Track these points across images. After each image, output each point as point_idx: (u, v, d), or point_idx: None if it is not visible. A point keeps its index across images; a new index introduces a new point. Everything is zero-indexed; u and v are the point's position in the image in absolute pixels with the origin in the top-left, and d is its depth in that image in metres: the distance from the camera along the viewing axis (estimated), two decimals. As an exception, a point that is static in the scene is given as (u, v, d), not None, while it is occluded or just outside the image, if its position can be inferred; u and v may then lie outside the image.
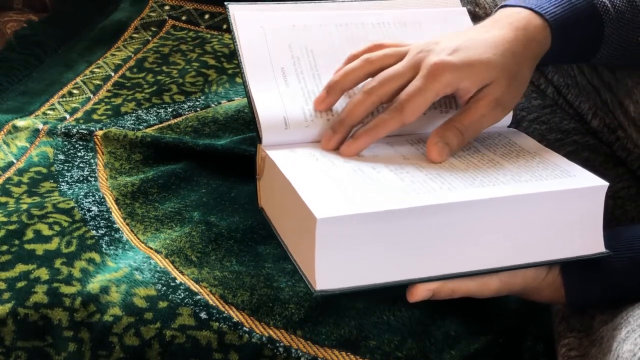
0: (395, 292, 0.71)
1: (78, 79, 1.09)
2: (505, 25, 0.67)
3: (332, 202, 0.58)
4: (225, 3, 0.74)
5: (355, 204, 0.57)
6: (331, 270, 0.57)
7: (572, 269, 0.64)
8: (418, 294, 0.60)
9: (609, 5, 0.68)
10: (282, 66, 0.71)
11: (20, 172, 0.87)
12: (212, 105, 1.01)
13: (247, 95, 0.70)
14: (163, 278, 0.72)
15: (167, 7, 1.27)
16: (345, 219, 0.56)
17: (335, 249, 0.57)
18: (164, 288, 0.71)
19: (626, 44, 0.69)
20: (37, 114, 1.00)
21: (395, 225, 0.57)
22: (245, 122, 0.96)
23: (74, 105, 1.02)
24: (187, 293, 0.70)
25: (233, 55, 1.13)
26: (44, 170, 0.87)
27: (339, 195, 0.59)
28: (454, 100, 0.71)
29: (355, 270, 0.58)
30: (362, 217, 0.57)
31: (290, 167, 0.63)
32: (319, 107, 0.69)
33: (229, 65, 1.11)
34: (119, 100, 1.02)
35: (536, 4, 0.68)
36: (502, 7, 0.70)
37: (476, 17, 0.84)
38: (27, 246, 0.74)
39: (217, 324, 0.68)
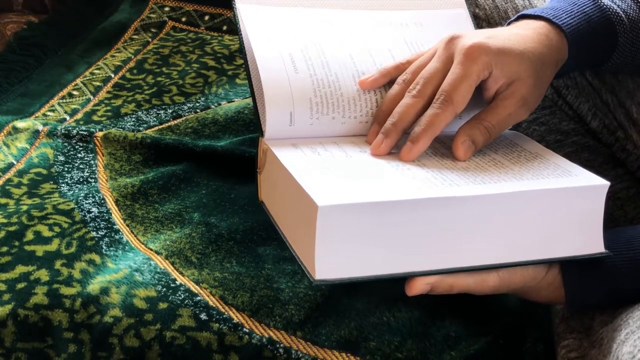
0: (395, 293, 0.71)
1: (78, 81, 1.09)
2: (528, 29, 0.68)
3: (333, 191, 0.58)
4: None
5: (356, 194, 0.58)
6: (331, 260, 0.57)
7: (571, 269, 0.64)
8: (417, 287, 0.60)
9: (622, 15, 0.68)
10: (290, 52, 0.71)
11: (20, 173, 0.87)
12: (212, 106, 1.01)
13: (252, 89, 0.70)
14: (163, 279, 0.72)
15: (167, 9, 1.27)
16: (346, 207, 0.56)
17: (336, 238, 0.57)
18: (164, 289, 0.71)
19: (638, 52, 0.70)
20: (37, 115, 1.00)
21: (396, 217, 0.58)
22: (245, 124, 0.96)
23: (74, 106, 1.02)
24: (187, 294, 0.70)
25: (233, 56, 1.13)
26: (44, 172, 0.87)
27: (340, 186, 0.59)
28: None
29: (354, 261, 0.58)
30: (363, 207, 0.57)
31: (292, 160, 0.64)
32: (377, 152, 0.67)
33: (228, 66, 1.11)
34: (119, 102, 1.03)
35: (553, 14, 0.68)
36: (519, 16, 0.71)
37: (476, 18, 0.84)
38: (27, 247, 0.74)
39: (217, 325, 0.68)
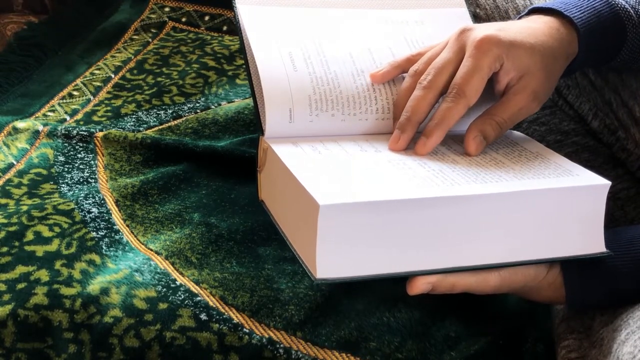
0: (395, 293, 0.71)
1: (78, 81, 1.09)
2: (539, 23, 0.68)
3: (334, 190, 0.58)
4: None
5: (357, 193, 0.58)
6: (332, 259, 0.57)
7: (572, 269, 0.64)
8: (418, 286, 0.60)
9: (631, 11, 0.68)
10: (290, 51, 0.71)
11: (20, 173, 0.87)
12: (212, 106, 1.01)
13: (252, 87, 0.70)
14: (163, 279, 0.72)
15: (167, 9, 1.27)
16: (347, 206, 0.56)
17: (337, 237, 0.57)
18: (164, 289, 0.71)
19: None
20: (37, 115, 1.00)
21: (397, 216, 0.58)
22: (245, 124, 0.96)
23: (74, 106, 1.02)
24: (187, 294, 0.70)
25: (233, 57, 1.13)
26: (44, 172, 0.87)
27: (341, 185, 0.59)
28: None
29: (355, 260, 0.58)
30: (364, 206, 0.57)
31: (293, 158, 0.64)
32: (395, 147, 0.67)
33: (229, 66, 1.11)
34: (119, 102, 1.03)
35: (564, 8, 0.68)
36: (530, 10, 0.71)
37: (477, 18, 0.84)
38: (27, 248, 0.74)
39: (217, 325, 0.68)
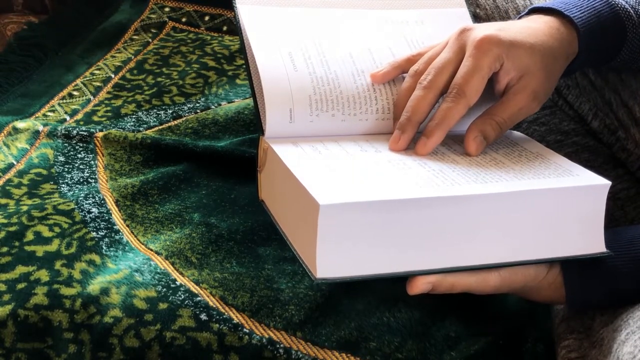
0: (395, 293, 0.71)
1: (78, 81, 1.09)
2: (539, 23, 0.68)
3: (334, 190, 0.58)
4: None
5: (357, 193, 0.58)
6: (332, 259, 0.57)
7: (572, 269, 0.64)
8: (418, 286, 0.60)
9: (631, 12, 0.68)
10: (290, 51, 0.71)
11: (20, 173, 0.87)
12: (212, 106, 1.01)
13: (252, 87, 0.70)
14: (163, 279, 0.72)
15: (167, 9, 1.27)
16: (347, 206, 0.56)
17: (337, 237, 0.57)
18: (164, 289, 0.71)
19: None
20: (37, 115, 1.00)
21: (397, 216, 0.58)
22: (245, 124, 0.96)
23: (74, 107, 1.02)
24: (187, 294, 0.70)
25: (233, 57, 1.13)
26: (44, 172, 0.87)
27: (342, 184, 0.59)
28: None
29: (355, 260, 0.58)
30: (365, 206, 0.57)
31: (293, 158, 0.64)
32: (395, 147, 0.67)
33: (229, 67, 1.11)
34: (119, 102, 1.03)
35: (564, 8, 0.68)
36: (530, 10, 0.71)
37: (477, 18, 0.84)
38: (27, 248, 0.74)
39: (217, 325, 0.68)
